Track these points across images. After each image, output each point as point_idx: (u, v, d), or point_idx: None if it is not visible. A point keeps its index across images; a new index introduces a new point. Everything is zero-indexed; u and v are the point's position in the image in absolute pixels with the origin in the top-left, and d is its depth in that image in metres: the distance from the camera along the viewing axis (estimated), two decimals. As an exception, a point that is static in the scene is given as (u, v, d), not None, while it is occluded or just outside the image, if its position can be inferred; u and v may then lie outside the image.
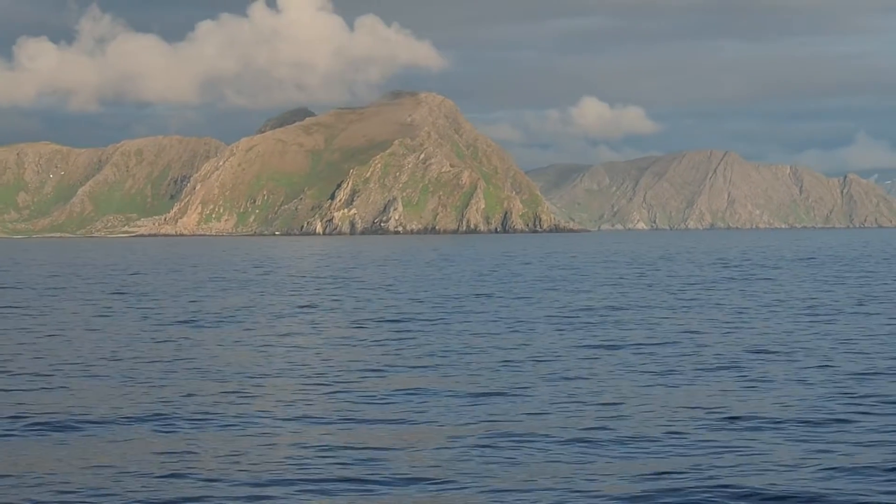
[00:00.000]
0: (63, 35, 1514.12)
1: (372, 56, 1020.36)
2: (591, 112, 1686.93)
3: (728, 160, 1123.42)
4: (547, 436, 27.82)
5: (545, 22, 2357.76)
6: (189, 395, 35.22)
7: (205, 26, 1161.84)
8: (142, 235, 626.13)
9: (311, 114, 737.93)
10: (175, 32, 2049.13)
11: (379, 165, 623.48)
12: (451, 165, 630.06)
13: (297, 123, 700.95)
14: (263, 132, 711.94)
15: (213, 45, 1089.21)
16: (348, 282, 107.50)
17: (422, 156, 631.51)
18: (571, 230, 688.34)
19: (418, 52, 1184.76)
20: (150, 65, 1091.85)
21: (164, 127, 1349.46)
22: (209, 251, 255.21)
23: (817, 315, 62.71)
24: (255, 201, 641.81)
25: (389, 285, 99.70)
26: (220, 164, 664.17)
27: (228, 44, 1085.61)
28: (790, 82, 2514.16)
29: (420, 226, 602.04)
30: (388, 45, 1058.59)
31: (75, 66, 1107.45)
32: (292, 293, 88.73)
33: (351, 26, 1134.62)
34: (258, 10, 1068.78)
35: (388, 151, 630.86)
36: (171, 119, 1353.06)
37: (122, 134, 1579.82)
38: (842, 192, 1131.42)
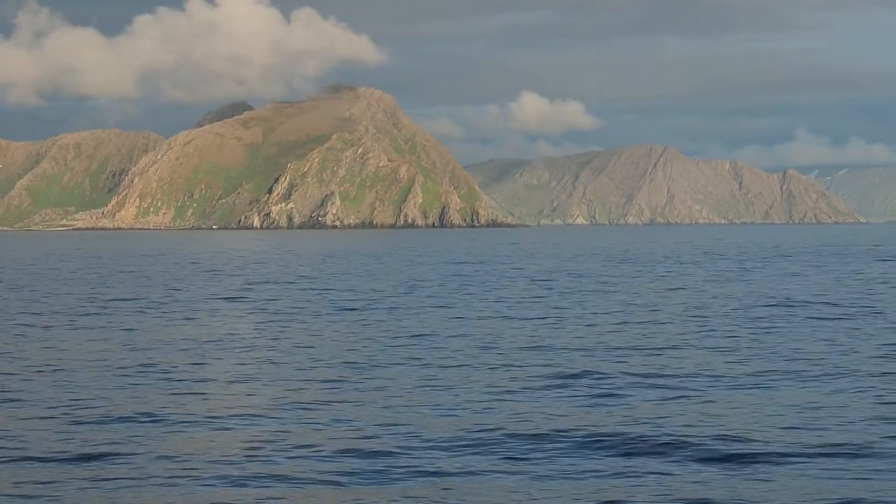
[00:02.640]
0: (0, 28, 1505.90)
1: (309, 49, 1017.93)
2: (531, 107, 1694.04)
3: (668, 155, 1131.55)
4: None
5: (484, 17, 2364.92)
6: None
7: (143, 20, 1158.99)
8: (79, 229, 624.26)
9: (249, 107, 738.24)
10: (113, 26, 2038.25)
11: (317, 160, 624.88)
12: (389, 160, 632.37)
13: (235, 117, 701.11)
14: (202, 126, 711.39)
15: (151, 38, 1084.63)
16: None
17: (360, 150, 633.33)
18: (509, 225, 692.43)
19: (356, 47, 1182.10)
20: (88, 58, 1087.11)
21: (104, 120, 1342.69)
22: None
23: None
24: (192, 195, 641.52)
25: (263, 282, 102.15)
26: (159, 157, 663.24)
27: (166, 37, 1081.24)
28: (731, 78, 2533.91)
29: (357, 220, 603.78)
30: (325, 38, 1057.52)
31: (13, 60, 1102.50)
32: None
33: (288, 19, 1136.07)
34: (195, 4, 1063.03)
35: (325, 146, 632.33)
36: (111, 112, 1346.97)
37: (62, 127, 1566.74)
38: (781, 187, 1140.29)
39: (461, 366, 38.77)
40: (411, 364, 39.28)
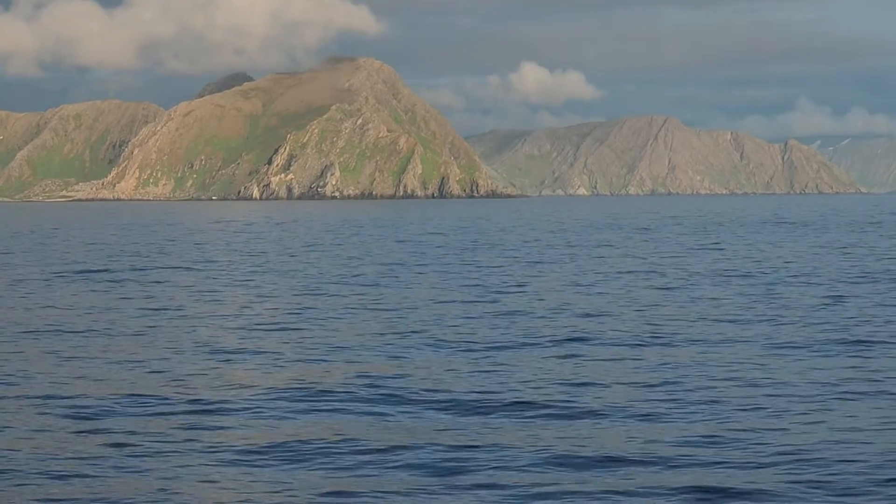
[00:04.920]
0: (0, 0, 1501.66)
1: (308, 20, 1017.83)
2: (531, 78, 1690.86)
3: (669, 126, 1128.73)
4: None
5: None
6: None
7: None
8: (79, 200, 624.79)
9: (249, 78, 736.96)
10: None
11: (316, 130, 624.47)
12: (389, 130, 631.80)
13: (235, 88, 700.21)
14: (202, 97, 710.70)
15: (150, 9, 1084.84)
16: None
17: (359, 121, 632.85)
18: (509, 196, 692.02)
19: (355, 17, 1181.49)
20: (87, 29, 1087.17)
21: (104, 91, 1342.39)
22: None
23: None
24: (192, 166, 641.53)
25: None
26: (159, 128, 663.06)
27: (165, 8, 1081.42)
28: (732, 48, 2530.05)
29: (357, 191, 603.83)
30: (323, 8, 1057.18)
31: (13, 31, 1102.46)
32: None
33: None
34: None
35: (325, 116, 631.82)
36: (111, 83, 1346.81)
37: (62, 98, 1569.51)
38: (783, 158, 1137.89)
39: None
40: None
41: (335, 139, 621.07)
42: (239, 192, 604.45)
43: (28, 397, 28.70)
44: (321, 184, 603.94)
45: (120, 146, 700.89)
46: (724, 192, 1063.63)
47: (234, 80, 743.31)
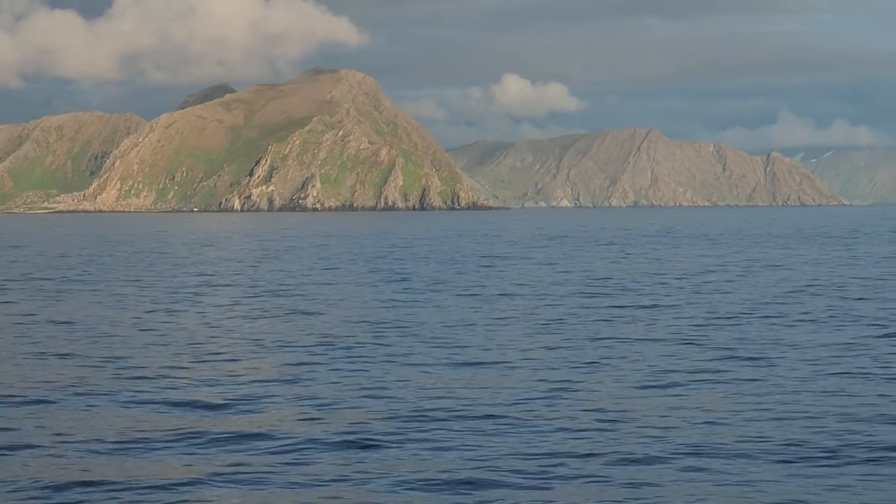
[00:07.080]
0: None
1: (289, 31, 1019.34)
2: (513, 89, 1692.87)
3: (652, 138, 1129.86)
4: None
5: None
6: None
7: (122, 1, 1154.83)
8: (61, 212, 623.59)
9: (231, 90, 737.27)
10: (93, 8, 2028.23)
11: (297, 142, 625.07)
12: (370, 142, 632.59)
13: (216, 100, 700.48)
14: (184, 108, 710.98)
15: (132, 20, 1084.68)
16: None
17: (340, 133, 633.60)
18: (490, 207, 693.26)
19: (336, 28, 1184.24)
20: (69, 41, 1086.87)
21: (86, 102, 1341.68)
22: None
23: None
24: (174, 178, 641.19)
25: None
26: (140, 140, 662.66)
27: (146, 19, 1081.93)
28: (715, 61, 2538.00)
29: (338, 203, 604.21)
30: (304, 19, 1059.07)
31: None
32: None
33: (266, 0, 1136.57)
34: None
35: (306, 128, 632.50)
36: (93, 95, 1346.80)
37: (45, 109, 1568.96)
38: (765, 170, 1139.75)
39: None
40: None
41: (316, 151, 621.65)
42: (220, 203, 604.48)
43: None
44: (302, 195, 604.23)
45: (102, 158, 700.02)
46: (706, 204, 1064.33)
47: (216, 91, 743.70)
